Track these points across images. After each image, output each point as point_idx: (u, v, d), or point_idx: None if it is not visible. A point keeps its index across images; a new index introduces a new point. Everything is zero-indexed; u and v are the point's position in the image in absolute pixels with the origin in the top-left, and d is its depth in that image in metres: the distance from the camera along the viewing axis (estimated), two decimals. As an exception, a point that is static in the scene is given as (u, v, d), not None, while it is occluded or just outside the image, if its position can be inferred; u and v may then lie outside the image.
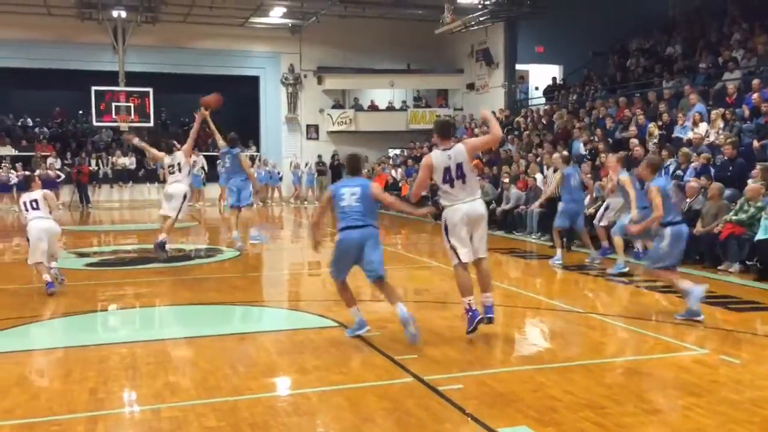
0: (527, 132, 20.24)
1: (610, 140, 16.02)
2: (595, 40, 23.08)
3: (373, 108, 28.56)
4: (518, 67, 25.58)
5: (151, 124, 25.84)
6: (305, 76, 27.69)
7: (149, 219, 20.55)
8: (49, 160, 23.98)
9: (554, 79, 24.77)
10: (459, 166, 6.32)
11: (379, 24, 26.53)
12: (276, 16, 25.32)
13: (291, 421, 4.62)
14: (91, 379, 5.46)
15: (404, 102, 29.06)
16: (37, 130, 27.11)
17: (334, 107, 27.97)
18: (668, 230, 7.24)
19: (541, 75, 26.01)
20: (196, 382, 5.38)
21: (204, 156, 24.49)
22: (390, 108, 28.58)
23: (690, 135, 13.72)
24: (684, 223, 7.53)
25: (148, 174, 25.26)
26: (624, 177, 9.86)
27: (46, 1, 22.83)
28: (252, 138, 27.67)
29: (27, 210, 8.82)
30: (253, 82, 27.61)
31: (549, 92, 24.01)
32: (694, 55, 18.74)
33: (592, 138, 16.74)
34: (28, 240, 8.81)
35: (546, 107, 22.27)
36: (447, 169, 6.31)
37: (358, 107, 28.28)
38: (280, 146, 27.59)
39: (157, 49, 25.62)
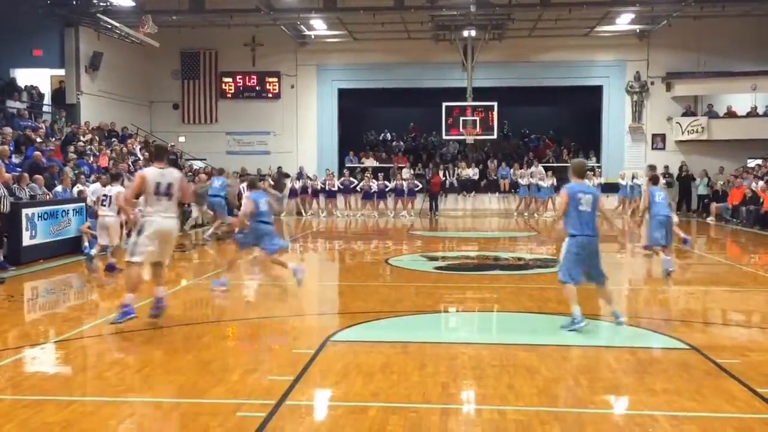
0: None
1: None
2: None
3: (731, 114, 26.02)
4: None
5: (495, 136, 26.93)
6: (652, 83, 26.36)
7: (489, 228, 21.47)
8: (404, 171, 26.34)
9: None
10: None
11: (740, 22, 24.36)
12: (623, 23, 24.50)
13: (639, 443, 4.46)
14: (443, 374, 5.89)
15: (769, 107, 25.95)
16: (394, 144, 30.17)
17: (684, 115, 26.12)
18: None
19: None
20: (539, 389, 5.47)
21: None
22: (752, 114, 25.75)
23: None
24: None
25: (490, 185, 26.32)
26: None
27: (406, 27, 25.19)
28: (592, 149, 27.19)
29: None
30: (596, 91, 27.03)
31: None
32: None
33: None
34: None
35: None
36: None
37: (712, 114, 25.98)
38: (622, 157, 26.59)
39: (502, 65, 26.61)
